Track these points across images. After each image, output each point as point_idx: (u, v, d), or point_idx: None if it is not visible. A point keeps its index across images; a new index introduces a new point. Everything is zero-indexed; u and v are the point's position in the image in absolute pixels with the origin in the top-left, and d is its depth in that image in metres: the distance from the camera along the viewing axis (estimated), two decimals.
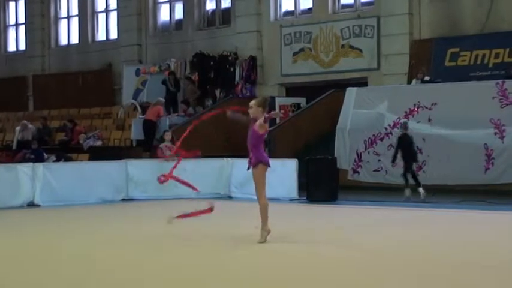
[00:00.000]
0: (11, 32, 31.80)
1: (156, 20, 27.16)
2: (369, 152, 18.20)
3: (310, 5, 23.61)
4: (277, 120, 20.10)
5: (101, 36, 28.98)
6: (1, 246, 10.37)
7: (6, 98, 29.49)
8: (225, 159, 18.00)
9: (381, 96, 18.52)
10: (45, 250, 9.82)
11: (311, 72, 23.00)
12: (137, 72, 26.17)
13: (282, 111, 21.28)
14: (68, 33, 29.81)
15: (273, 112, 10.11)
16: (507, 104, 16.62)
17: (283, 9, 24.22)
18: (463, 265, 8.23)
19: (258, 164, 9.80)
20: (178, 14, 26.68)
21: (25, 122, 24.05)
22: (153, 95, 24.00)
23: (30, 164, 16.90)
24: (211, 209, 10.33)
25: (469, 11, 20.47)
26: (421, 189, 15.73)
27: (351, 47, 22.25)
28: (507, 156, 16.46)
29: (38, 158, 19.52)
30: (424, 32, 21.23)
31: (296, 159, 16.76)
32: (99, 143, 22.83)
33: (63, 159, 19.95)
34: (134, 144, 22.20)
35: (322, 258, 8.90)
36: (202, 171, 17.70)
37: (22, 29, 31.17)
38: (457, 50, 20.35)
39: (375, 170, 18.08)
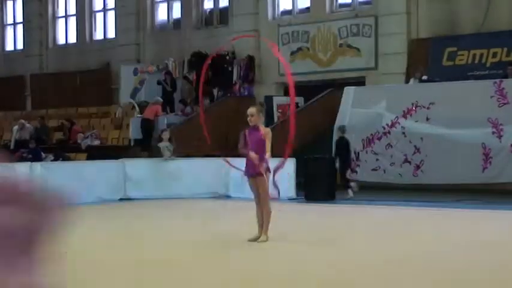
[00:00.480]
0: (9, 31, 31.77)
1: (154, 20, 27.15)
2: (366, 152, 18.21)
3: (307, 4, 23.60)
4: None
5: (98, 35, 28.96)
6: None
7: (4, 97, 29.46)
8: (222, 158, 17.96)
9: (379, 95, 18.53)
10: None
11: (309, 72, 22.98)
12: (135, 72, 26.16)
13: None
14: (65, 32, 29.78)
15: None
16: (505, 103, 16.63)
17: (281, 9, 24.21)
18: (459, 263, 8.25)
19: (266, 172, 9.88)
20: (176, 13, 26.67)
21: (23, 121, 24.03)
22: (151, 94, 24.00)
23: (28, 163, 16.90)
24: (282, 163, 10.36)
25: (467, 10, 20.48)
26: (350, 191, 16.43)
27: (349, 46, 22.25)
28: (505, 156, 16.48)
29: (36, 158, 19.50)
30: (422, 31, 21.24)
31: (294, 159, 16.76)
32: (97, 142, 22.83)
33: (61, 159, 19.95)
34: (132, 144, 22.20)
35: (322, 257, 8.91)
36: (200, 171, 17.73)
37: (20, 28, 31.14)
38: (455, 49, 20.36)
39: (372, 169, 18.09)
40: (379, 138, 18.10)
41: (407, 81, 20.10)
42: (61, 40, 29.98)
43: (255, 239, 9.83)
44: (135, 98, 25.44)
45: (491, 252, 9.15)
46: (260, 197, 9.91)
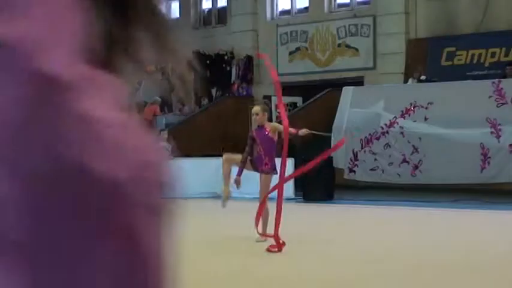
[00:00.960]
0: None
1: None
2: (365, 151, 18.21)
3: (306, 4, 23.62)
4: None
5: None
6: None
7: None
8: (221, 158, 17.98)
9: (377, 95, 18.53)
10: None
11: (307, 72, 23.01)
12: None
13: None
14: None
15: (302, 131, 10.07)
16: (503, 103, 16.64)
17: (280, 9, 24.23)
18: (456, 263, 8.25)
19: (270, 172, 9.91)
20: (175, 13, 26.68)
21: None
22: (149, 94, 23.99)
23: None
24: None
25: (465, 10, 20.50)
26: None
27: (347, 46, 22.27)
28: (503, 156, 16.49)
29: None
30: (420, 31, 21.26)
31: (292, 158, 16.75)
32: None
33: None
34: None
35: (321, 257, 8.91)
36: (199, 171, 17.73)
37: None
38: (453, 49, 20.38)
39: (371, 169, 18.10)
40: (378, 138, 18.10)
41: (405, 81, 20.11)
42: None
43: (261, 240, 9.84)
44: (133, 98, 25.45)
45: (488, 252, 9.15)
46: (261, 194, 9.94)
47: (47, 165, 0.97)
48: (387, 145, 17.87)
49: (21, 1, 1.01)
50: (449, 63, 20.39)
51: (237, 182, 10.15)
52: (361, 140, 18.22)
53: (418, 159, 17.39)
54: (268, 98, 21.83)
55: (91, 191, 0.99)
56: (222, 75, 24.13)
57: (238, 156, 10.25)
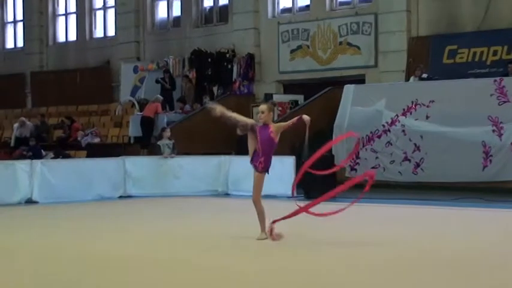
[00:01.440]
0: (9, 29, 31.77)
1: (153, 17, 27.15)
2: (366, 150, 18.22)
3: (307, 2, 23.60)
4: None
5: (98, 33, 28.97)
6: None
7: (4, 95, 29.49)
8: (222, 156, 18.02)
9: (379, 93, 18.53)
10: (43, 247, 9.82)
11: (309, 70, 23.00)
12: (135, 70, 26.20)
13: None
14: (65, 30, 29.80)
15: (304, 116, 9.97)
16: (505, 102, 16.64)
17: (281, 7, 24.22)
18: (457, 262, 8.25)
19: (264, 172, 9.85)
20: (176, 11, 26.68)
21: (23, 119, 24.04)
22: (150, 92, 24.01)
23: (28, 161, 16.90)
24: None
25: (467, 8, 20.48)
26: None
27: (349, 44, 22.25)
28: (505, 154, 16.48)
29: (36, 155, 19.52)
30: (422, 29, 21.24)
31: (294, 157, 16.76)
32: (97, 140, 22.84)
33: (61, 156, 19.95)
34: (132, 141, 22.21)
35: (323, 255, 8.91)
36: (200, 169, 17.74)
37: (20, 26, 31.15)
38: (455, 47, 20.37)
39: (372, 167, 18.08)
40: (379, 136, 18.11)
41: (407, 79, 20.10)
42: (61, 38, 29.99)
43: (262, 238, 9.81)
44: (135, 95, 25.46)
45: (488, 250, 9.15)
46: (253, 191, 9.89)
47: None
48: (389, 143, 17.87)
49: None
50: (451, 61, 20.38)
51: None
52: (362, 138, 18.21)
53: (420, 158, 17.39)
54: (269, 96, 21.88)
55: None
56: (224, 73, 24.12)
57: (232, 114, 9.93)
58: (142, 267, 8.11)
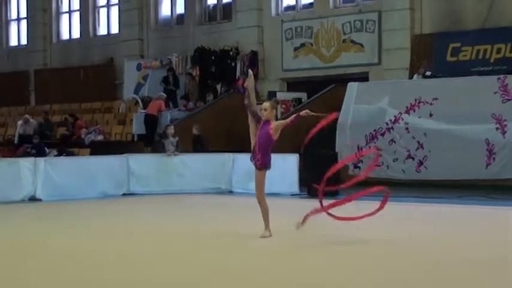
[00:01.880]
0: (13, 27, 31.81)
1: (157, 15, 27.16)
2: (369, 147, 18.20)
3: (311, 0, 23.59)
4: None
5: (102, 30, 28.99)
6: (1, 240, 10.39)
7: (8, 93, 29.53)
8: (226, 154, 18.03)
9: (382, 91, 18.51)
10: (43, 244, 9.84)
11: (312, 67, 23.00)
12: (138, 67, 26.22)
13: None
14: (69, 27, 29.83)
15: (303, 112, 10.05)
16: (509, 99, 16.61)
17: (285, 4, 24.21)
18: (458, 260, 8.25)
19: (263, 169, 9.85)
20: (180, 8, 26.68)
21: (27, 116, 24.07)
22: (154, 89, 24.03)
23: (32, 158, 16.92)
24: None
25: (470, 5, 20.45)
26: None
27: (352, 41, 22.24)
28: (508, 152, 16.46)
29: (40, 153, 19.53)
30: (426, 27, 21.22)
31: (297, 154, 16.77)
32: (100, 137, 22.86)
33: (64, 154, 19.97)
34: (135, 139, 22.23)
35: (325, 253, 8.92)
36: (204, 166, 17.75)
37: (24, 23, 31.19)
38: (459, 45, 20.34)
39: (376, 165, 18.06)
40: (383, 134, 18.09)
41: (410, 77, 20.08)
42: (65, 35, 30.02)
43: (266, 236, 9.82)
44: (138, 93, 25.47)
45: (490, 248, 9.15)
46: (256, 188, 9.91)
47: None
48: (392, 141, 17.86)
49: None
50: (455, 59, 20.35)
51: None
52: (365, 135, 18.21)
53: (423, 155, 17.37)
54: (272, 94, 21.88)
55: None
56: (227, 71, 24.12)
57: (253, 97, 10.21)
58: (144, 264, 8.12)
